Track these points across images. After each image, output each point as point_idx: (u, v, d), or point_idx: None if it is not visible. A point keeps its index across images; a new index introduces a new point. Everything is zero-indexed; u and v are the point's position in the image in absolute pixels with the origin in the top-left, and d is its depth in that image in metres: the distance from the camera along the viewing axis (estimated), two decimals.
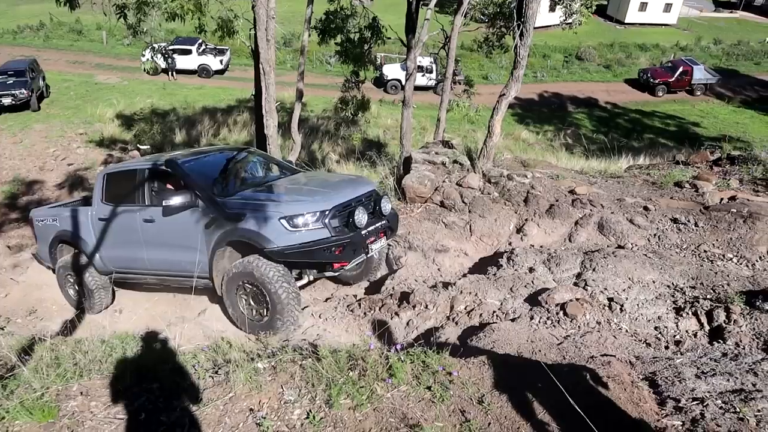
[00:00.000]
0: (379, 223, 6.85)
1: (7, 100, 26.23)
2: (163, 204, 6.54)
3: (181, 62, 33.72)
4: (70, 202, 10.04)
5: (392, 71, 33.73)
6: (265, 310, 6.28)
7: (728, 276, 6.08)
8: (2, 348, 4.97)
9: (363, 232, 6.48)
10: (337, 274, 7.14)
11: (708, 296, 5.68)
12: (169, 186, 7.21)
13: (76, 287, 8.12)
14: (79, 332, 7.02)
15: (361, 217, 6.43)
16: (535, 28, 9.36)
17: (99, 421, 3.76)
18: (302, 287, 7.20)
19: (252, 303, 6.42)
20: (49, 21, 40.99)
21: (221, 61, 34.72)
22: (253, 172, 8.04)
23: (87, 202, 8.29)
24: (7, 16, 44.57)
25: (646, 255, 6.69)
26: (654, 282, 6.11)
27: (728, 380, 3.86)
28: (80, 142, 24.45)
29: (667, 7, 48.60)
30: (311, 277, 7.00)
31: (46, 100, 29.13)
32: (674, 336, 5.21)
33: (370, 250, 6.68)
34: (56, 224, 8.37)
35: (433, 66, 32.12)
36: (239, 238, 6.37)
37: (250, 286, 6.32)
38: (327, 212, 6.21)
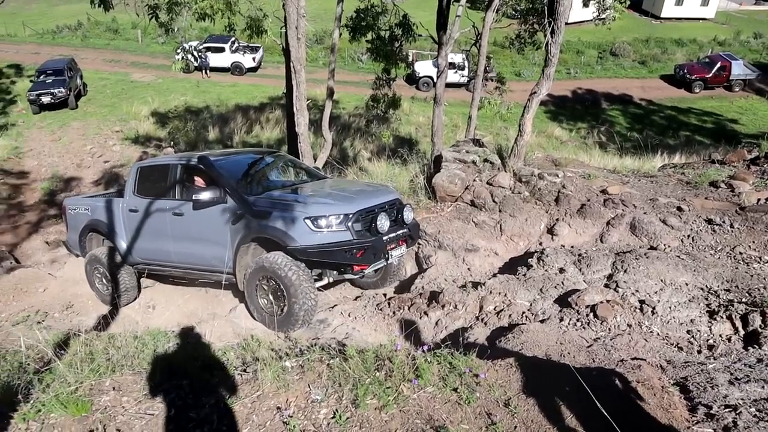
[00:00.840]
0: (401, 231, 7.02)
1: (46, 99, 26.92)
2: (193, 198, 6.86)
3: (215, 60, 34.14)
4: (105, 193, 10.30)
5: (424, 68, 33.66)
6: (282, 306, 6.43)
7: (765, 279, 5.93)
8: (39, 342, 5.09)
9: (384, 237, 6.64)
10: (356, 276, 7.27)
11: (743, 300, 5.55)
12: (199, 182, 7.39)
13: (104, 280, 8.32)
14: (112, 328, 7.16)
15: (383, 222, 6.61)
16: (567, 23, 9.24)
17: (130, 416, 3.84)
18: (322, 288, 7.36)
19: (271, 298, 6.56)
20: (87, 21, 41.86)
21: (254, 59, 35.04)
22: (281, 174, 8.23)
23: (120, 194, 8.52)
24: (47, 16, 45.66)
25: (679, 256, 6.57)
26: (687, 284, 6.00)
27: (763, 387, 3.77)
28: (116, 139, 24.96)
29: (705, 1, 47.43)
30: (331, 279, 7.12)
31: (83, 99, 29.82)
32: (707, 340, 5.11)
33: (390, 257, 6.81)
34: (88, 213, 8.66)
35: (465, 63, 31.93)
36: (264, 234, 6.57)
37: (270, 282, 6.47)
38: (350, 216, 6.41)
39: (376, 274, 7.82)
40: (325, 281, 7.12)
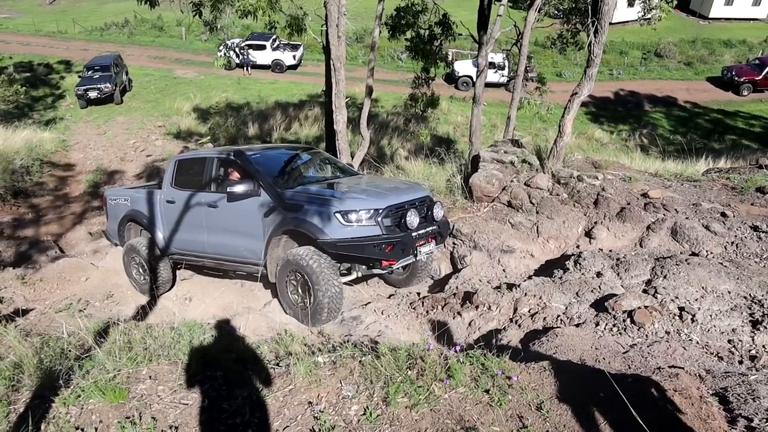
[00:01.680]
0: (430, 228, 7.03)
1: (93, 94, 27.64)
2: (228, 190, 7.03)
3: (256, 57, 34.50)
4: (146, 185, 10.60)
5: (463, 68, 33.47)
6: (309, 300, 6.54)
7: None
8: (80, 330, 5.22)
9: (413, 234, 6.69)
10: (384, 272, 7.32)
11: None
12: (235, 175, 7.54)
13: (140, 269, 8.55)
14: (150, 318, 7.31)
15: (412, 218, 6.66)
16: (611, 23, 9.08)
17: (165, 405, 3.91)
18: (351, 282, 7.61)
19: (299, 291, 6.70)
20: (133, 18, 42.78)
21: (294, 57, 35.30)
22: (314, 170, 8.37)
23: (160, 185, 8.73)
24: (96, 14, 46.86)
25: (722, 263, 6.40)
26: (729, 292, 5.84)
27: None
28: (158, 134, 25.47)
29: (757, 1, 45.94)
30: (359, 274, 7.21)
31: (128, 94, 30.52)
32: (749, 350, 4.96)
33: (419, 253, 6.84)
34: (127, 204, 8.95)
35: (505, 62, 31.62)
36: (295, 227, 6.70)
37: (297, 275, 6.63)
38: (380, 211, 6.51)
39: (405, 271, 7.90)
40: (353, 275, 7.23)
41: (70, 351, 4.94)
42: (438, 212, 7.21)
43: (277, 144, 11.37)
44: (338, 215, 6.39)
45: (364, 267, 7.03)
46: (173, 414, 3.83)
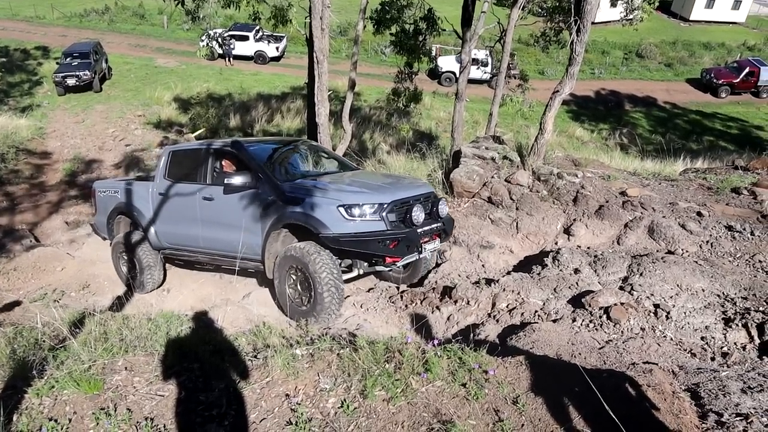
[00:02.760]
0: (435, 225, 6.83)
1: (71, 81, 27.19)
2: (225, 182, 6.77)
3: (238, 48, 34.23)
4: (136, 177, 10.28)
5: (447, 63, 33.54)
6: (308, 297, 6.33)
7: None
8: (55, 320, 5.17)
9: (418, 230, 6.48)
10: (387, 269, 7.13)
11: (760, 308, 5.47)
12: (231, 167, 7.35)
13: (130, 264, 8.26)
14: (127, 309, 7.25)
15: (418, 214, 6.46)
16: (594, 23, 9.16)
17: (141, 396, 3.88)
18: (351, 280, 7.28)
19: (298, 288, 6.48)
20: (114, 5, 42.19)
21: (277, 48, 35.08)
22: (313, 163, 8.13)
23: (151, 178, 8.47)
24: (75, 0, 46.12)
25: (697, 262, 6.50)
26: (704, 290, 5.93)
27: None
28: (138, 123, 25.16)
29: (737, 4, 46.54)
30: (361, 271, 6.97)
31: (107, 82, 30.09)
32: (721, 348, 5.05)
33: (424, 250, 6.62)
34: (117, 196, 8.62)
35: (489, 59, 31.77)
36: (295, 221, 6.44)
37: (298, 272, 6.39)
38: (385, 205, 6.27)
39: (406, 270, 7.72)
40: (354, 273, 6.98)
41: (44, 341, 4.89)
42: (443, 209, 7.05)
43: (275, 137, 11.09)
44: (341, 209, 6.14)
45: (365, 264, 6.84)
46: (149, 405, 3.80)
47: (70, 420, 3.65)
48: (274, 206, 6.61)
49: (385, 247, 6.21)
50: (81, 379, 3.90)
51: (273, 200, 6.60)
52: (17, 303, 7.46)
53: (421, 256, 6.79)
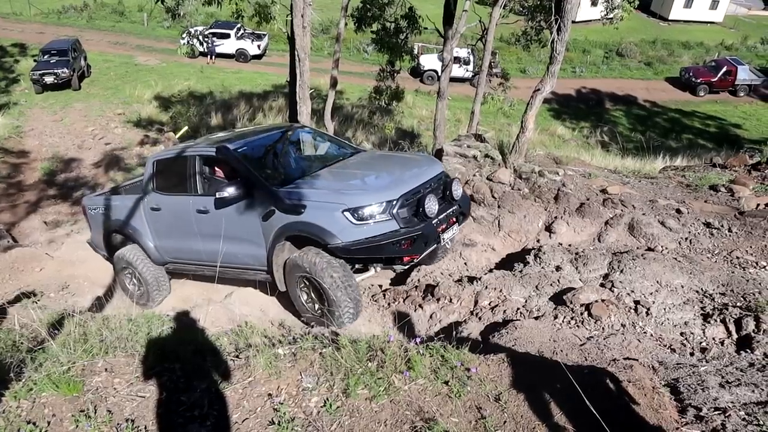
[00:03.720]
0: (451, 209, 6.34)
1: (49, 79, 26.82)
2: (216, 196, 6.27)
3: (220, 46, 34.01)
4: (123, 185, 9.53)
5: (429, 62, 33.59)
6: (323, 306, 5.94)
7: (760, 284, 5.93)
8: (33, 321, 5.10)
9: (434, 221, 5.98)
10: (406, 267, 6.75)
11: (738, 304, 5.55)
12: (220, 174, 6.82)
13: (134, 280, 7.91)
14: (107, 310, 7.18)
15: (431, 205, 5.92)
16: (575, 22, 9.22)
17: (121, 398, 3.84)
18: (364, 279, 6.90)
19: (312, 296, 6.12)
20: (93, 2, 41.72)
21: (259, 46, 34.93)
22: (309, 153, 7.56)
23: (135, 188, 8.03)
24: None
25: (676, 259, 6.57)
26: (683, 287, 6.00)
27: (753, 391, 3.77)
28: (118, 122, 24.89)
29: (714, 4, 47.18)
30: (378, 269, 6.52)
31: (87, 80, 29.72)
32: (700, 343, 5.12)
33: (442, 239, 6.16)
34: (109, 214, 8.11)
35: (471, 57, 31.88)
36: (299, 233, 5.92)
37: (309, 282, 6.00)
38: (395, 202, 5.72)
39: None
40: (371, 272, 6.58)
41: (22, 343, 4.82)
42: (457, 190, 6.47)
43: (260, 126, 10.14)
44: (347, 214, 5.58)
45: (380, 264, 6.40)
46: (130, 407, 3.77)
47: (49, 423, 3.60)
48: (274, 216, 6.04)
49: (401, 248, 5.72)
50: (60, 381, 3.85)
51: (271, 210, 6.05)
52: None
53: (440, 245, 6.33)
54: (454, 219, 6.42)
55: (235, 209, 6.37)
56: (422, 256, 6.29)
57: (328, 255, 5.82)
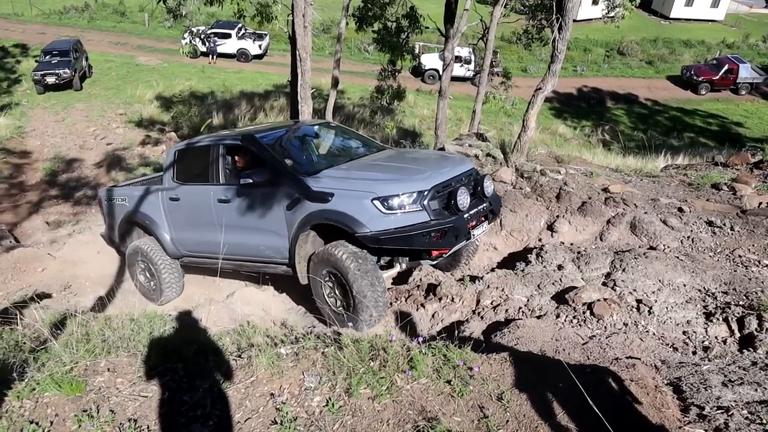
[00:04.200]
0: (481, 206, 6.11)
1: (51, 79, 26.86)
2: (240, 182, 6.15)
3: (221, 46, 34.03)
4: (144, 178, 9.47)
5: (430, 61, 33.58)
6: (347, 304, 5.77)
7: (763, 283, 5.92)
8: (36, 322, 5.10)
9: (465, 216, 5.76)
10: (434, 262, 6.54)
11: (740, 302, 5.55)
12: (245, 163, 6.67)
13: (147, 273, 7.78)
14: (109, 309, 7.17)
15: (463, 198, 5.70)
16: (576, 21, 9.22)
17: (124, 398, 3.85)
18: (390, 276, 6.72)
19: (336, 293, 5.92)
20: (94, 2, 41.71)
21: (260, 46, 34.95)
22: (337, 147, 7.40)
23: (159, 180, 7.87)
24: None
25: (678, 257, 6.56)
26: (685, 285, 5.99)
27: (756, 390, 3.77)
28: (119, 122, 24.93)
29: (715, 3, 47.13)
30: (403, 266, 6.34)
31: (88, 80, 29.77)
32: (703, 342, 5.11)
33: (472, 236, 5.98)
34: (125, 204, 7.99)
35: (472, 57, 31.88)
36: (326, 221, 5.72)
37: (334, 277, 5.81)
38: (426, 192, 5.53)
39: (449, 257, 6.98)
40: (396, 269, 6.38)
41: (24, 343, 4.82)
42: (488, 187, 6.27)
43: (288, 121, 9.84)
44: (377, 202, 5.41)
45: (407, 259, 6.23)
46: (132, 407, 3.77)
47: (51, 422, 3.61)
48: (299, 204, 5.88)
49: (430, 240, 5.50)
50: (62, 381, 3.85)
51: (297, 198, 5.88)
52: None
53: (469, 241, 6.20)
54: (484, 216, 6.20)
55: (258, 198, 6.24)
56: (452, 250, 6.09)
57: (357, 250, 5.65)
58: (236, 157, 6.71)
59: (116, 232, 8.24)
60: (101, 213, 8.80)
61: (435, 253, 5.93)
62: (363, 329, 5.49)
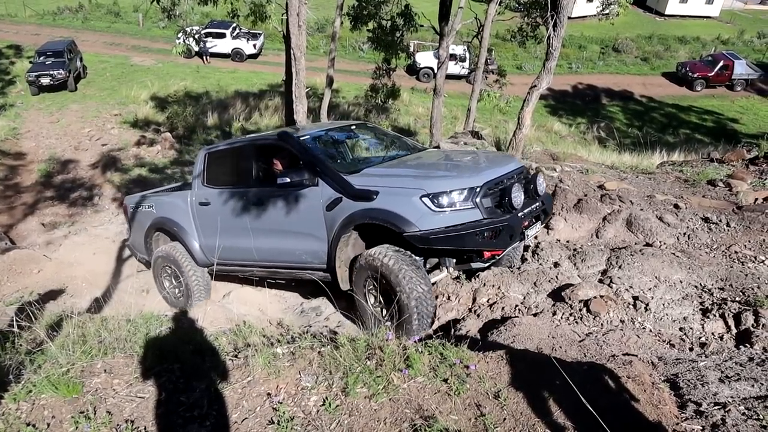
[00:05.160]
0: (535, 205, 5.79)
1: (45, 80, 26.80)
2: (278, 182, 5.82)
3: (215, 46, 34.01)
4: (171, 187, 9.24)
5: (425, 59, 33.62)
6: (393, 311, 5.38)
7: (759, 279, 5.93)
8: (32, 324, 5.09)
9: (519, 214, 5.45)
10: (485, 265, 6.10)
11: (737, 299, 5.55)
12: (281, 163, 6.43)
13: (173, 279, 7.58)
14: (106, 311, 7.16)
15: (517, 195, 5.39)
16: (571, 18, 9.22)
17: (121, 399, 3.84)
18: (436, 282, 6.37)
19: (381, 300, 5.56)
20: (88, 3, 41.63)
21: (254, 46, 34.96)
22: (377, 147, 7.16)
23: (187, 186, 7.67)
24: None
25: (674, 254, 6.57)
26: (681, 282, 6.00)
27: (753, 386, 3.77)
28: (114, 123, 24.86)
29: None
30: (451, 269, 6.00)
31: (82, 81, 29.70)
32: (699, 338, 5.12)
33: (526, 236, 5.66)
34: (152, 211, 7.77)
35: (466, 55, 31.89)
36: (370, 220, 5.39)
37: (379, 283, 5.43)
38: (478, 189, 5.21)
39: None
40: (443, 273, 6.06)
41: (20, 345, 4.81)
42: (541, 185, 5.96)
43: (325, 123, 9.52)
44: (426, 200, 5.10)
45: (454, 261, 5.86)
46: (129, 408, 3.76)
47: (48, 424, 3.59)
48: (341, 204, 5.56)
49: (483, 240, 5.17)
50: (59, 383, 3.84)
51: (338, 197, 5.58)
52: None
53: (522, 242, 5.89)
54: (536, 216, 5.87)
55: (295, 199, 5.95)
56: (506, 251, 5.76)
57: (409, 254, 5.36)
58: (271, 157, 6.46)
59: (143, 241, 8.02)
60: (126, 221, 8.58)
61: (487, 254, 5.59)
62: (411, 336, 4.91)
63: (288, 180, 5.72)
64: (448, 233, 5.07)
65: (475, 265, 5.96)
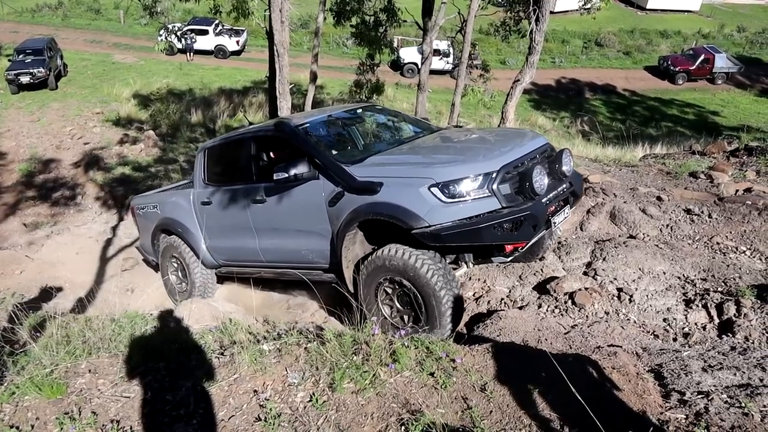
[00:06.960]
0: (561, 187, 5.17)
1: (25, 79, 26.42)
2: (274, 177, 5.29)
3: (198, 43, 33.80)
4: (179, 184, 8.91)
5: (409, 54, 33.61)
6: (412, 315, 4.98)
7: (740, 269, 6.01)
8: (15, 324, 5.04)
9: (543, 200, 4.84)
10: (508, 259, 5.50)
11: (719, 289, 5.62)
12: (279, 155, 6.01)
13: (179, 273, 7.45)
14: (90, 310, 7.11)
15: (540, 179, 4.77)
16: (553, 12, 9.27)
17: (106, 399, 3.81)
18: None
19: (397, 305, 5.08)
20: (67, 0, 41.14)
21: (238, 42, 34.76)
22: (384, 131, 6.66)
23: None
24: None
25: (657, 246, 6.63)
26: (665, 273, 6.06)
27: (735, 374, 3.82)
28: (96, 121, 24.58)
29: None
30: (470, 264, 5.35)
31: (63, 79, 29.32)
32: (683, 328, 5.18)
33: (552, 224, 5.01)
34: (157, 212, 7.54)
35: (450, 50, 31.90)
36: (375, 216, 4.86)
37: (396, 286, 4.99)
38: (494, 174, 4.59)
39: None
40: (462, 270, 5.61)
41: (3, 347, 4.76)
42: (567, 164, 5.28)
43: (326, 107, 8.96)
44: (435, 190, 4.54)
45: (472, 255, 5.21)
46: (114, 408, 3.73)
47: (32, 426, 3.56)
48: (343, 198, 5.10)
49: (504, 233, 4.53)
50: (43, 384, 3.80)
51: (340, 191, 5.13)
52: None
53: (549, 230, 5.27)
54: (564, 200, 5.21)
55: (296, 194, 5.53)
56: (530, 243, 5.11)
57: (431, 253, 4.82)
58: (270, 150, 6.10)
59: (151, 244, 7.82)
60: (135, 224, 8.35)
61: (509, 247, 4.97)
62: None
63: (285, 175, 5.23)
64: (463, 227, 4.50)
65: (496, 259, 5.38)
